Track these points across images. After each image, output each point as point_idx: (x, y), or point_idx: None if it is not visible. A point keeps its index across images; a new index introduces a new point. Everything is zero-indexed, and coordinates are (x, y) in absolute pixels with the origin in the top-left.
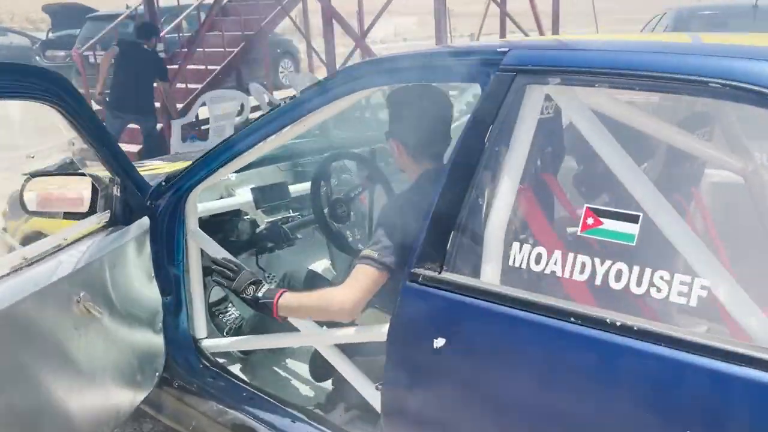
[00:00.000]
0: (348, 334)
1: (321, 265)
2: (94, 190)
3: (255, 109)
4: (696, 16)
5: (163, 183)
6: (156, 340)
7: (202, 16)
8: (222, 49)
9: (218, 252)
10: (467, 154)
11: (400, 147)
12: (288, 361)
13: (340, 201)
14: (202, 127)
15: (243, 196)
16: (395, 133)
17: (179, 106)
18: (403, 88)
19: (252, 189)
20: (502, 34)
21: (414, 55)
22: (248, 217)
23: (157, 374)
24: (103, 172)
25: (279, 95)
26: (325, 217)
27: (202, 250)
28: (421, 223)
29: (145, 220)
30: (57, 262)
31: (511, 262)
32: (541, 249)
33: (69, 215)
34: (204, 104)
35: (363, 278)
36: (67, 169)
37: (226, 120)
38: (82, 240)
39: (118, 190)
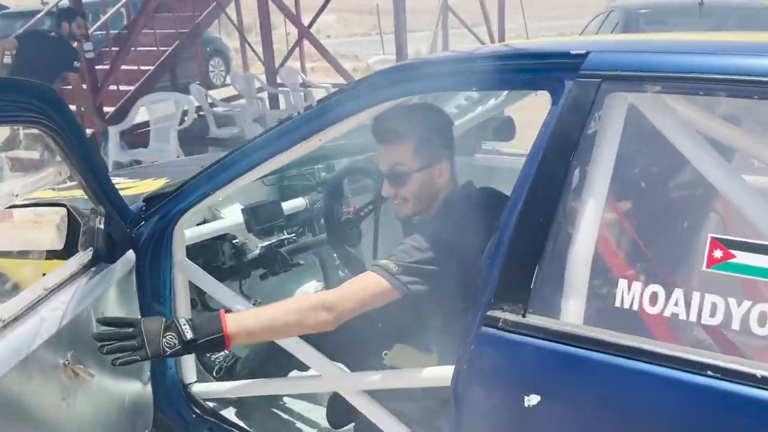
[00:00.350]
0: (383, 379)
1: (311, 288)
2: (74, 224)
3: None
4: (642, 14)
5: (144, 207)
6: (145, 393)
7: (128, 12)
8: (155, 48)
9: (210, 284)
10: (550, 176)
11: (446, 167)
12: (286, 400)
13: (351, 221)
14: (136, 132)
15: (231, 218)
16: (444, 153)
17: (110, 109)
18: (411, 109)
19: (243, 210)
20: (445, 30)
21: (466, 58)
22: (237, 241)
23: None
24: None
25: (215, 95)
26: (343, 243)
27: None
28: (477, 254)
29: (130, 255)
30: (39, 320)
31: (602, 301)
32: (642, 285)
33: (51, 254)
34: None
35: (366, 287)
36: None
37: (168, 123)
38: (63, 287)
39: (102, 222)
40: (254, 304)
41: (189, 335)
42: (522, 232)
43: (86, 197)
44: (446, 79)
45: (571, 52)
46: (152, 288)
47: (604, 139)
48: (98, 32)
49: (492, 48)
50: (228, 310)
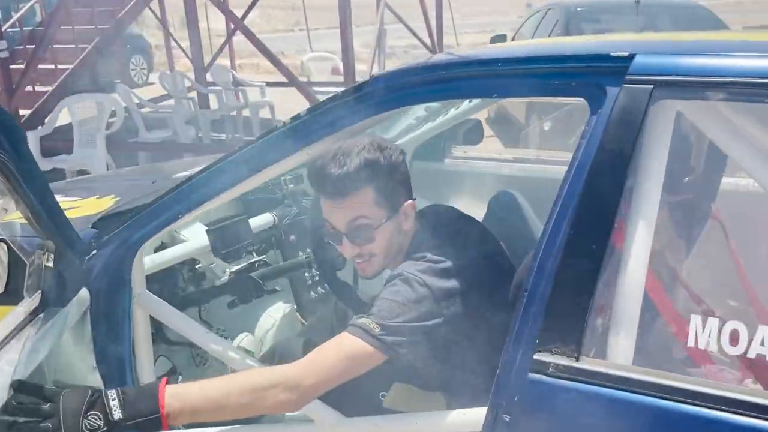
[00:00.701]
0: (394, 425)
1: (278, 311)
2: (16, 264)
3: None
4: (578, 11)
5: (96, 234)
6: None
7: (42, 8)
8: (73, 46)
9: (176, 319)
10: (601, 197)
11: (411, 206)
12: None
13: None
14: (58, 137)
15: (195, 241)
16: (407, 190)
17: (25, 112)
18: (359, 149)
19: (208, 231)
20: (381, 27)
21: (488, 61)
22: (200, 266)
23: None
24: None
25: (140, 95)
26: (334, 270)
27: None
28: (473, 289)
29: (84, 294)
30: None
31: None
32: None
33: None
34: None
35: (340, 354)
36: None
37: (94, 126)
38: (8, 343)
39: (50, 258)
40: (217, 333)
41: (117, 415)
42: (572, 261)
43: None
44: (466, 85)
45: (612, 54)
46: (109, 327)
47: (655, 152)
48: (11, 29)
49: (516, 48)
50: (193, 348)
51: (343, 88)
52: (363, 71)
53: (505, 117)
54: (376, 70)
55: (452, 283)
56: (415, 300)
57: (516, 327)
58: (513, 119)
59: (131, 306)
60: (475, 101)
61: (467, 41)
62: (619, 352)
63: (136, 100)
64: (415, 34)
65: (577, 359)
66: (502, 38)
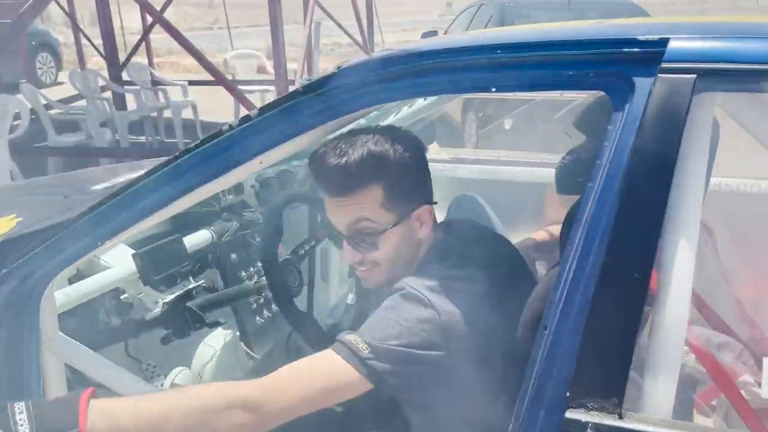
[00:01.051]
0: None
1: (219, 340)
2: None
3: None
4: (510, 6)
5: None
6: None
7: None
8: None
9: (98, 366)
10: (643, 213)
11: (427, 211)
12: None
13: (290, 263)
14: None
15: (120, 268)
16: (423, 192)
17: None
18: (369, 139)
19: (134, 255)
20: (312, 23)
21: (487, 48)
22: (126, 296)
23: None
24: None
25: (49, 95)
26: (289, 297)
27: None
28: (492, 323)
29: None
30: None
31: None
32: None
33: None
34: None
35: (317, 375)
36: None
37: None
38: None
39: None
40: (147, 369)
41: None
42: (611, 292)
43: None
44: (458, 77)
45: (641, 38)
46: (11, 381)
47: (699, 157)
48: None
49: (519, 33)
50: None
51: (273, 87)
52: (292, 69)
53: (441, 115)
54: (306, 69)
55: (467, 308)
56: (417, 321)
57: (535, 376)
58: (448, 118)
59: (40, 354)
60: (430, 99)
61: (393, 40)
62: (657, 404)
63: (44, 101)
64: (346, 32)
65: (621, 416)
66: (432, 34)
